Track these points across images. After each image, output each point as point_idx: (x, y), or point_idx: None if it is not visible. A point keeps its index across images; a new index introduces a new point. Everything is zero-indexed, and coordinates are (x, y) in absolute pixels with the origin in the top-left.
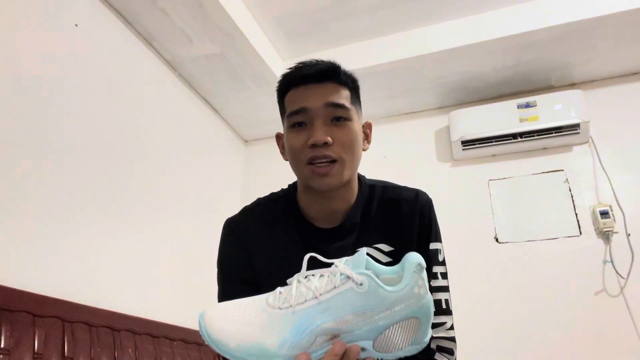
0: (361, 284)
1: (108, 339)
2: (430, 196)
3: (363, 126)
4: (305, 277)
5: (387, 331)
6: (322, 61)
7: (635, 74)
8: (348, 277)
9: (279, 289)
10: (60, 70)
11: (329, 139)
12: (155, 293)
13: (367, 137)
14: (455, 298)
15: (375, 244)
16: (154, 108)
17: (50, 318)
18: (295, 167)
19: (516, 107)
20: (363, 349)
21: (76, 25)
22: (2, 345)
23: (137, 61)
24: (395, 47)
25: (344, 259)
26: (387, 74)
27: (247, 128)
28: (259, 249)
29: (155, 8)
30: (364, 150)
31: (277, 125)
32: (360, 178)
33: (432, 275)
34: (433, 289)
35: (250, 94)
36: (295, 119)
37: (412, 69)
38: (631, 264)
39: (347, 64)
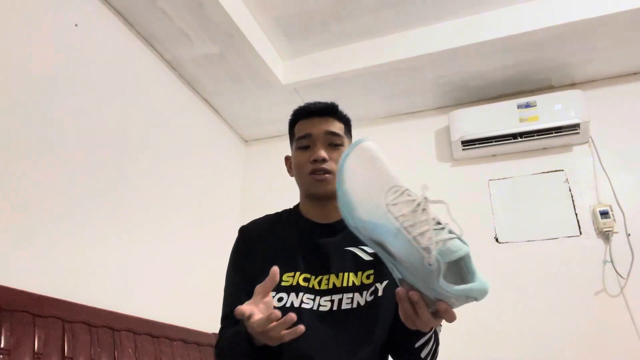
0: (430, 265)
1: (108, 339)
2: None
3: None
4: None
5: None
6: (325, 102)
7: (635, 74)
8: (429, 251)
9: (405, 188)
10: (60, 70)
11: (326, 156)
12: (155, 293)
13: None
14: None
15: (362, 245)
16: (154, 108)
17: (50, 318)
18: (299, 178)
19: (516, 107)
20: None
21: (76, 25)
22: (2, 345)
23: (137, 61)
24: (395, 47)
25: (452, 234)
26: (387, 74)
27: (247, 128)
28: (263, 245)
29: (155, 8)
30: None
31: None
32: None
33: None
34: None
35: (250, 94)
36: (302, 142)
37: (412, 69)
38: (631, 264)
39: (347, 64)
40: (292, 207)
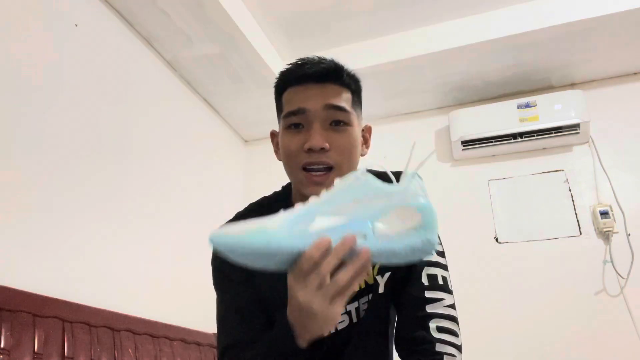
0: (357, 179)
1: (108, 339)
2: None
3: (362, 130)
4: None
5: (386, 216)
6: (325, 60)
7: (635, 74)
8: (346, 178)
9: None
10: (60, 70)
11: (327, 144)
12: (155, 293)
13: (366, 142)
14: (455, 298)
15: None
16: (154, 108)
17: (50, 318)
18: (289, 171)
19: (516, 107)
20: (363, 235)
21: (76, 25)
22: (2, 345)
23: (137, 61)
24: (395, 47)
25: None
26: (387, 74)
27: (247, 128)
28: None
29: (155, 8)
30: (362, 155)
31: (277, 125)
32: None
33: None
34: (428, 263)
35: (250, 94)
36: (292, 120)
37: (412, 69)
38: (631, 264)
39: (347, 64)
40: (281, 192)
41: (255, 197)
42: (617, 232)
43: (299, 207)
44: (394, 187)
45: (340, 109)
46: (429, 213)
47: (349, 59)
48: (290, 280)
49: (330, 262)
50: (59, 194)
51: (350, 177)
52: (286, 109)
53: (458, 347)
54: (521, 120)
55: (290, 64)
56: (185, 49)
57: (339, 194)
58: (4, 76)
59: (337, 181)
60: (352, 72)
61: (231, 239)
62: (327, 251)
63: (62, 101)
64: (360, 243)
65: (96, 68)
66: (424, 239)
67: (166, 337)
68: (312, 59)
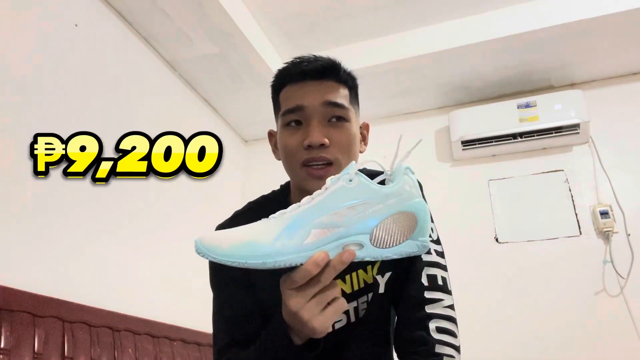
0: (350, 180)
1: (108, 339)
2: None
3: (360, 127)
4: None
5: (382, 224)
6: (322, 57)
7: (635, 74)
8: (338, 178)
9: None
10: (60, 70)
11: (326, 140)
12: (155, 293)
13: (364, 139)
14: (455, 298)
15: None
16: (154, 108)
17: (50, 318)
18: (289, 168)
19: (516, 107)
20: (360, 245)
21: (76, 25)
22: (2, 345)
23: (137, 61)
24: (395, 47)
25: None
26: (387, 74)
27: (247, 128)
28: None
29: (155, 8)
30: (360, 152)
31: (276, 125)
32: None
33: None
34: (427, 264)
35: (250, 94)
36: (291, 117)
37: (412, 69)
38: (631, 264)
39: (347, 64)
40: (279, 191)
41: (254, 197)
42: (617, 232)
43: (291, 213)
44: (388, 188)
45: (339, 105)
46: (423, 214)
47: (349, 59)
48: (283, 285)
49: (327, 277)
50: (59, 194)
51: (343, 178)
52: (284, 106)
53: (457, 348)
54: (521, 120)
55: (286, 63)
56: (185, 48)
57: (331, 197)
58: (4, 76)
59: (329, 181)
60: (349, 70)
61: (219, 249)
62: (324, 266)
63: (62, 101)
64: (357, 254)
65: (96, 68)
66: (419, 244)
67: (166, 337)
68: (309, 57)
